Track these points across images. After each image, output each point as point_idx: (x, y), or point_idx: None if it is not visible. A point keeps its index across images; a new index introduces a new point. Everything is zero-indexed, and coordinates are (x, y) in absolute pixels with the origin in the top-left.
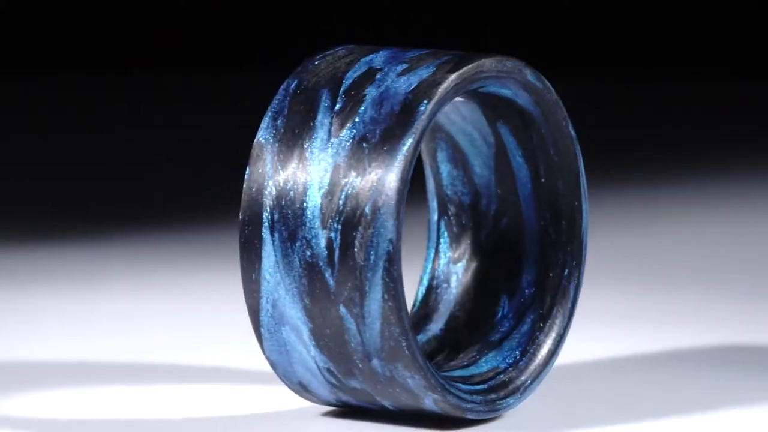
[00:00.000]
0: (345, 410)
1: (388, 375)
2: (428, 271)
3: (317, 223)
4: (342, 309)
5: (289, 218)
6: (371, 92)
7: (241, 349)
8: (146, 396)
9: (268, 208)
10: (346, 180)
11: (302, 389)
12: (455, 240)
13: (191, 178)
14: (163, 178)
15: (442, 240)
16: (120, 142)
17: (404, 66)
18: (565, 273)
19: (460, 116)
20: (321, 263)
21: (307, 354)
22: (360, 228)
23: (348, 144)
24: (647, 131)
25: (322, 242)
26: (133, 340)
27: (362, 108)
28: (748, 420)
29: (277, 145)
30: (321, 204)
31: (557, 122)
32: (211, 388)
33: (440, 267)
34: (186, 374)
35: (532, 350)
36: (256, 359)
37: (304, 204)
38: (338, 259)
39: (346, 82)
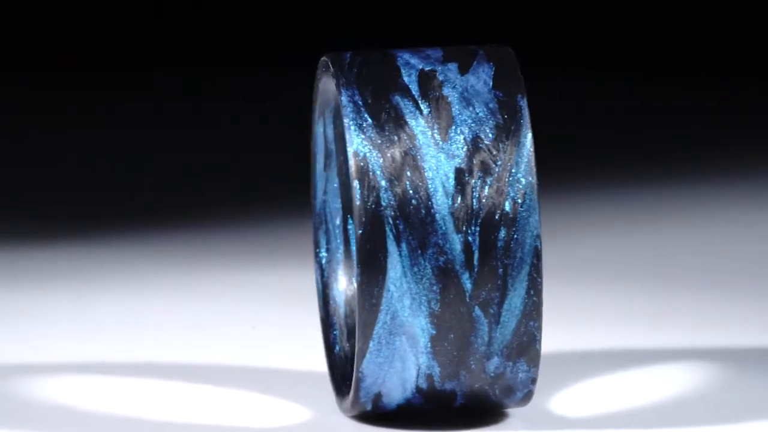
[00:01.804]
0: (367, 415)
1: (500, 372)
2: (341, 273)
3: (450, 228)
4: (477, 311)
5: (417, 226)
6: (450, 93)
7: (242, 349)
8: (146, 397)
9: (390, 220)
10: (473, 181)
11: (369, 400)
12: None
13: (191, 178)
14: (162, 177)
15: (352, 241)
16: (119, 142)
17: (455, 64)
18: None
19: None
20: (458, 267)
21: (413, 362)
22: (502, 227)
23: (461, 145)
24: (644, 131)
25: (458, 246)
26: (133, 340)
27: (454, 109)
28: (749, 421)
29: (379, 154)
30: (451, 208)
31: None
32: (214, 389)
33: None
34: (186, 375)
35: None
36: (258, 359)
37: (432, 210)
38: (478, 260)
39: (412, 87)
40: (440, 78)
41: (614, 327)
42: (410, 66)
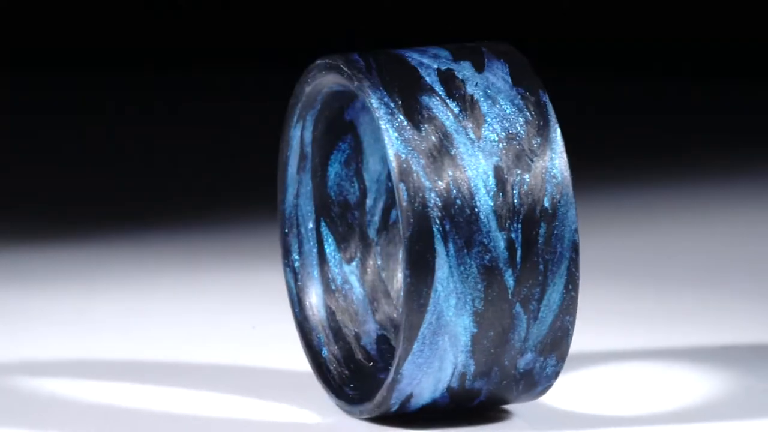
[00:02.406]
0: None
1: (530, 368)
2: (316, 276)
3: (494, 226)
4: (518, 307)
5: (462, 225)
6: (474, 91)
7: (242, 349)
8: (147, 397)
9: (437, 220)
10: (513, 178)
11: (399, 402)
12: (343, 240)
13: (191, 178)
14: (163, 177)
15: (326, 243)
16: (119, 142)
17: (468, 62)
18: None
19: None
20: (501, 265)
21: (451, 361)
22: (543, 223)
23: (496, 143)
24: (644, 131)
25: (502, 244)
26: (133, 340)
27: (482, 107)
28: (749, 421)
29: (420, 155)
30: (493, 206)
31: None
32: (217, 389)
33: (332, 270)
34: (186, 375)
35: None
36: (258, 359)
37: (476, 209)
38: (521, 257)
39: (436, 87)
40: (460, 77)
41: (614, 327)
42: (425, 66)
